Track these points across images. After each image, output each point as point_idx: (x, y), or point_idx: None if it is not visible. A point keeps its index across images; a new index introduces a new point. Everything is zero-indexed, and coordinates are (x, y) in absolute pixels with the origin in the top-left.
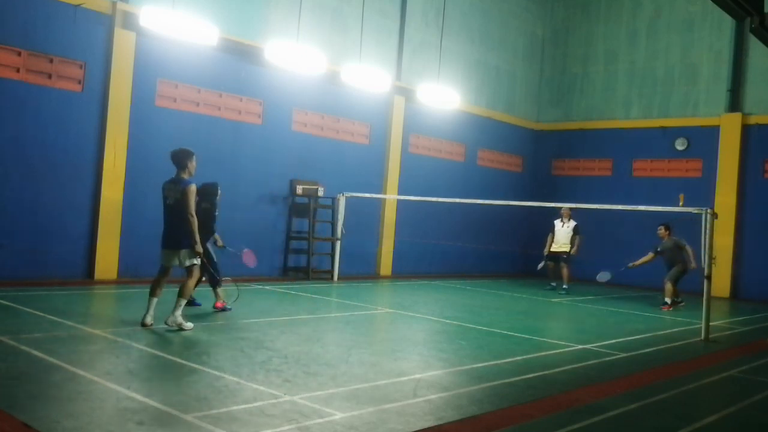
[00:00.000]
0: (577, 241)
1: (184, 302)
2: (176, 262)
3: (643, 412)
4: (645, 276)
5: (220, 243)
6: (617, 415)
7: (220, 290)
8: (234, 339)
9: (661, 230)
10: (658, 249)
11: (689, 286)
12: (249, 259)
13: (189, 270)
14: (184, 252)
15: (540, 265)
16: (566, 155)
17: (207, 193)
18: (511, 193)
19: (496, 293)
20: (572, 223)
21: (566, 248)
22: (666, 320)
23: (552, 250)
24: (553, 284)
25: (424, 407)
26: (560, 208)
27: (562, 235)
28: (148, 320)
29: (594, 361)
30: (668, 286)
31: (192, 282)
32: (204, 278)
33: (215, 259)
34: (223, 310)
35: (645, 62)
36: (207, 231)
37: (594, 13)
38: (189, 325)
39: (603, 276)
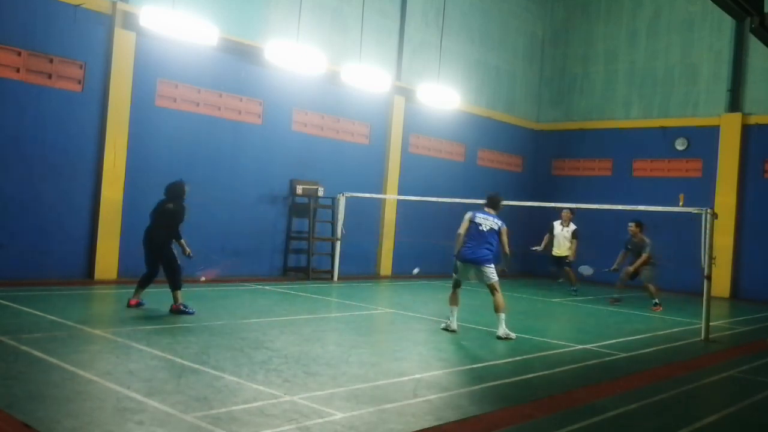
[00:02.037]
0: (574, 246)
1: (503, 316)
2: (474, 276)
3: (643, 412)
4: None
5: (188, 251)
6: (617, 415)
7: (179, 293)
8: (234, 339)
9: (632, 227)
10: (628, 246)
11: (689, 286)
12: (209, 275)
13: (493, 286)
14: (489, 269)
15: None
16: (566, 155)
17: (173, 193)
18: (511, 193)
19: None
20: (572, 227)
21: (568, 252)
22: (666, 320)
23: (554, 254)
24: (574, 288)
25: (424, 407)
26: (560, 208)
27: (562, 239)
28: (454, 326)
29: (594, 361)
30: (651, 288)
31: (500, 296)
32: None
33: (179, 263)
34: (183, 312)
35: (645, 62)
36: (171, 234)
37: (594, 13)
38: (513, 335)
39: (585, 269)
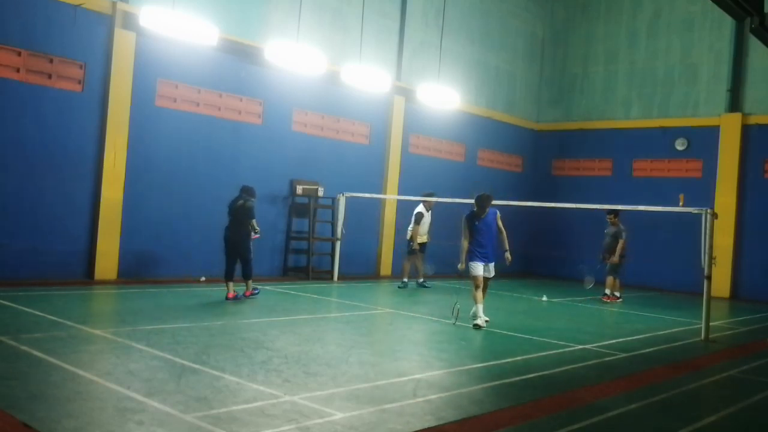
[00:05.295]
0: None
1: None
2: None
3: (643, 412)
4: (644, 275)
5: (257, 229)
6: (617, 415)
7: (250, 282)
8: (234, 339)
9: (611, 217)
10: (605, 231)
11: (689, 286)
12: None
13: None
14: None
15: (587, 281)
16: (566, 155)
17: (245, 191)
18: (511, 193)
19: (496, 293)
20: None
21: (427, 239)
22: (666, 320)
23: (421, 242)
24: (403, 282)
25: (424, 407)
26: (560, 209)
27: (427, 226)
28: (481, 322)
29: (594, 361)
30: (610, 280)
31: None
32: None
33: (251, 256)
34: (253, 295)
35: (645, 62)
36: (246, 228)
37: (594, 13)
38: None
39: (587, 282)
